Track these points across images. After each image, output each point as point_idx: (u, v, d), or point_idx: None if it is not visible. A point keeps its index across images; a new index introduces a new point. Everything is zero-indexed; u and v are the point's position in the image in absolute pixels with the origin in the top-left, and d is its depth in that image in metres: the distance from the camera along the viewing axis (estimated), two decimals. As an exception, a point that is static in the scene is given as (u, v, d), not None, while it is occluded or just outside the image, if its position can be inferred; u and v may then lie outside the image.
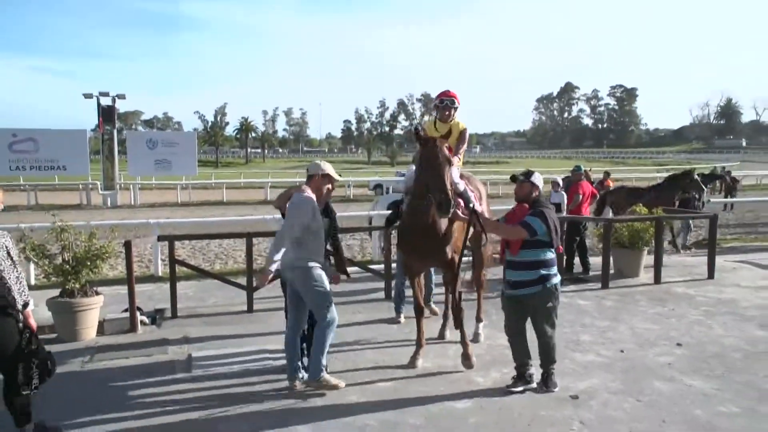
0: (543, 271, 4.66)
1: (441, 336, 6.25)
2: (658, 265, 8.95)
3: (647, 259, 9.36)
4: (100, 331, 6.51)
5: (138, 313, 6.73)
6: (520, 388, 4.84)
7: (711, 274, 9.18)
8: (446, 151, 4.75)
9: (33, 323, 3.84)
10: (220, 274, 8.99)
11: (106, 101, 25.82)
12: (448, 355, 5.74)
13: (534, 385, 4.88)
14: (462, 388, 4.94)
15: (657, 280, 8.87)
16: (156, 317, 7.06)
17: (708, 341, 6.16)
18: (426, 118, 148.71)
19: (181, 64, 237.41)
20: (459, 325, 5.33)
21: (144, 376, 5.25)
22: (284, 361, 5.04)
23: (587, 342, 5.79)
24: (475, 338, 6.02)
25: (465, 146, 5.87)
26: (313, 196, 4.74)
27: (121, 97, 25.92)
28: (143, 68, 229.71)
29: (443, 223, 5.01)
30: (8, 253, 3.68)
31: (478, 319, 6.23)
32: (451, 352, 5.81)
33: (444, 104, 5.71)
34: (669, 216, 10.35)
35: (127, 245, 6.75)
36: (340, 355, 5.66)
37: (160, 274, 9.79)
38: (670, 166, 51.48)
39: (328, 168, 4.88)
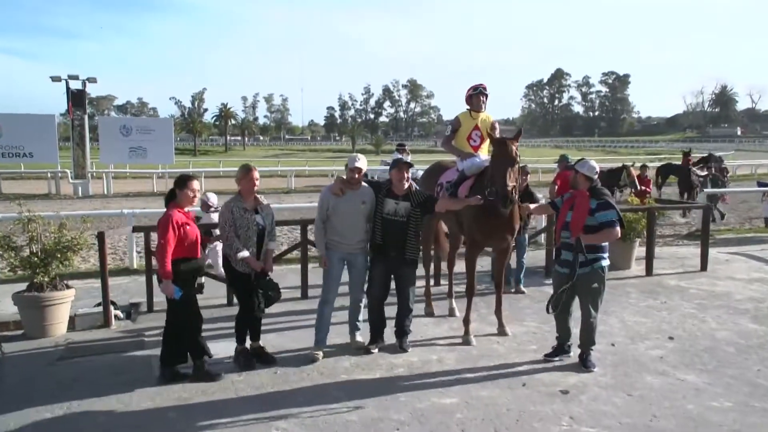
0: (597, 254, 5.14)
1: (451, 313, 6.89)
2: (649, 257, 9.05)
3: (639, 250, 9.47)
4: (71, 326, 6.43)
5: (112, 308, 6.66)
6: (558, 358, 5.42)
7: (704, 266, 9.30)
8: (514, 152, 5.44)
9: (254, 265, 5.17)
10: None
11: (75, 85, 24.98)
12: (434, 350, 5.78)
13: (570, 355, 5.46)
14: (449, 383, 4.97)
15: (649, 272, 8.97)
16: (131, 311, 7.00)
17: (701, 335, 6.25)
18: (412, 104, 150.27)
19: (157, 47, 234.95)
20: (499, 299, 6.29)
21: (118, 374, 5.20)
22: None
23: (576, 335, 5.84)
24: (451, 312, 6.91)
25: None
26: (335, 187, 5.54)
27: (92, 80, 25.28)
28: (115, 51, 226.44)
29: (516, 210, 5.87)
30: (222, 226, 5.21)
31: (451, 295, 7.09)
32: (438, 347, 5.86)
33: (478, 91, 6.42)
34: (661, 207, 10.47)
35: (100, 236, 6.68)
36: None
37: (135, 266, 9.69)
38: (663, 156, 51.88)
39: (350, 160, 5.59)
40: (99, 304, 6.68)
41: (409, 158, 12.92)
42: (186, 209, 5.02)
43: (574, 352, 5.47)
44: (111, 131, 26.79)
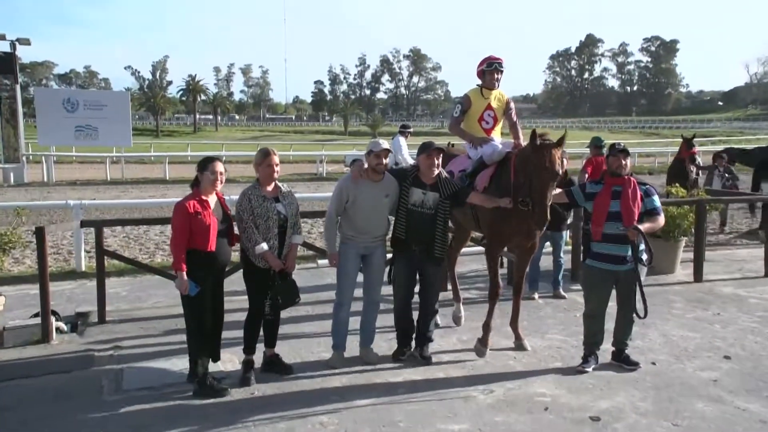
0: (642, 245, 5.47)
1: (456, 322, 7.02)
2: (698, 260, 9.04)
3: (685, 251, 9.45)
4: (-1, 342, 6.38)
5: (53, 319, 6.61)
6: (590, 368, 5.67)
7: (768, 271, 9.29)
8: (560, 162, 5.50)
9: (273, 263, 5.33)
10: (162, 268, 8.86)
11: (2, 47, 23.93)
12: (440, 366, 5.78)
13: (598, 364, 5.74)
14: (457, 407, 4.96)
15: (697, 277, 8.96)
16: (78, 323, 6.97)
17: (766, 354, 6.20)
18: (415, 78, 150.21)
19: (107, 2, 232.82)
20: (516, 307, 6.37)
21: (59, 400, 5.15)
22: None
23: (610, 351, 5.84)
24: (456, 321, 7.06)
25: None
26: (355, 176, 5.69)
27: (25, 42, 24.39)
28: (53, 6, 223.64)
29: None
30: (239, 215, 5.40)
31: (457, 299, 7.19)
32: (444, 363, 5.87)
33: (493, 67, 6.53)
34: (713, 199, 10.42)
35: (39, 232, 6.61)
36: (304, 365, 5.67)
37: (83, 268, 9.66)
38: (716, 138, 51.63)
39: (373, 145, 5.73)
40: (36, 315, 6.64)
41: (404, 142, 13.10)
42: (211, 195, 5.28)
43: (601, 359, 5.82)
44: (51, 106, 26.34)
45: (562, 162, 5.56)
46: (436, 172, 5.74)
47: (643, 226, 5.36)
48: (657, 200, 5.60)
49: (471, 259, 9.67)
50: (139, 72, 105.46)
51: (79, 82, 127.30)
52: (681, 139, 13.50)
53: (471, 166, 6.51)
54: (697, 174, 13.19)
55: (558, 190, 5.87)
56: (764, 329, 6.92)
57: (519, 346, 6.26)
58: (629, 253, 5.45)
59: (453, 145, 7.82)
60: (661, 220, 5.60)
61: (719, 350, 6.27)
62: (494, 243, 6.28)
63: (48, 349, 6.31)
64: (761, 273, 9.31)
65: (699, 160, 13.53)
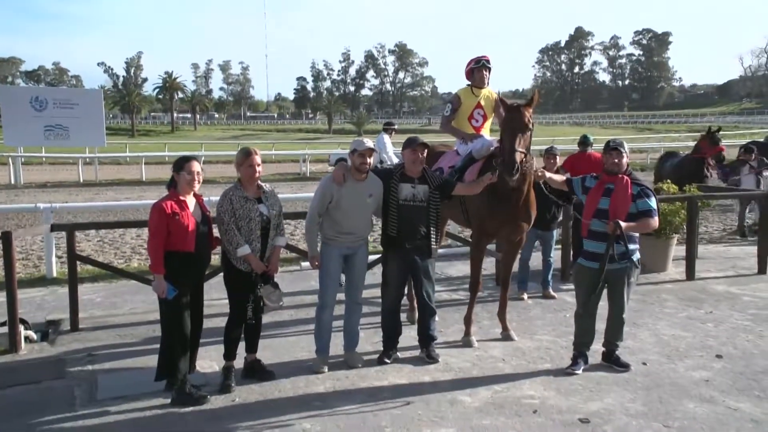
0: (632, 245, 5.52)
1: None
2: (691, 257, 9.12)
3: (677, 249, 9.56)
4: (-38, 353, 6.31)
5: (22, 327, 6.57)
6: (580, 370, 5.72)
7: (762, 269, 9.39)
8: (527, 118, 5.77)
9: (256, 266, 5.36)
10: (138, 273, 8.84)
11: None
12: (427, 369, 5.80)
13: (588, 364, 5.79)
14: (444, 411, 4.98)
15: (690, 275, 9.05)
16: (48, 331, 6.93)
17: (758, 353, 6.26)
18: (401, 74, 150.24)
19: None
20: (504, 299, 6.67)
21: (29, 413, 5.09)
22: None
23: (599, 352, 5.89)
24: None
25: None
26: (337, 176, 5.70)
27: None
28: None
29: (531, 191, 6.28)
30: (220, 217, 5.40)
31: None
32: (430, 365, 5.90)
33: (480, 65, 6.88)
34: (705, 195, 10.50)
35: (6, 237, 6.55)
36: (287, 370, 5.68)
37: (54, 274, 9.58)
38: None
39: (357, 144, 5.81)
40: (3, 324, 6.58)
41: (388, 140, 13.18)
42: (189, 195, 5.29)
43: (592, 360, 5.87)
44: (18, 104, 25.78)
45: (530, 118, 5.79)
46: (421, 166, 5.89)
47: (627, 225, 5.41)
48: (652, 202, 5.59)
49: (460, 260, 9.72)
50: (112, 69, 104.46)
51: (48, 80, 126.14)
52: (688, 134, 12.95)
53: (460, 162, 6.71)
54: (711, 175, 12.35)
55: (561, 178, 6.16)
56: (757, 327, 7.00)
57: (506, 336, 6.58)
58: (621, 250, 5.47)
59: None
60: (654, 222, 5.59)
61: (711, 349, 6.34)
62: (481, 235, 6.51)
63: (16, 360, 6.26)
64: (754, 270, 9.41)
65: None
